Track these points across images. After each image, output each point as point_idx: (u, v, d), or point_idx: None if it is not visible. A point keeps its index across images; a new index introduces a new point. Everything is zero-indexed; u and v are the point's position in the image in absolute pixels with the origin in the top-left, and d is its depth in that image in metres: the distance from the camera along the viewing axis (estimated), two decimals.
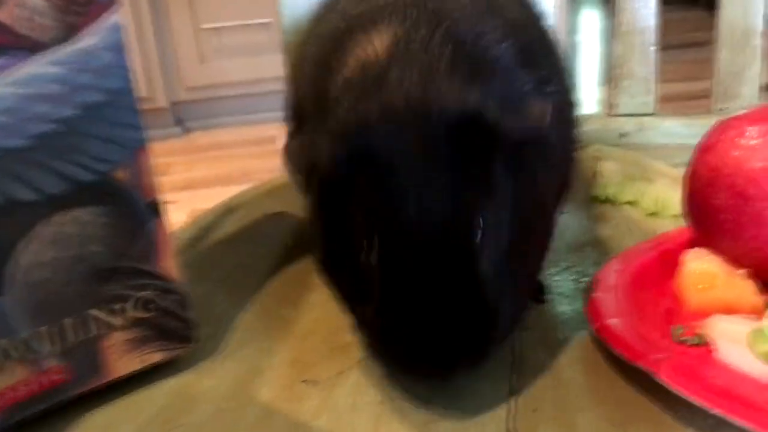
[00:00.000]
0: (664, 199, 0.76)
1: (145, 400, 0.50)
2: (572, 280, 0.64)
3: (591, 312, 0.54)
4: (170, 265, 0.50)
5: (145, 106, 2.51)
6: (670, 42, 1.07)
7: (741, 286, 0.57)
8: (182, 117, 3.15)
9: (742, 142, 0.57)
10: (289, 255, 0.67)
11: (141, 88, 2.97)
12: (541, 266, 0.54)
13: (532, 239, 0.48)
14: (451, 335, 0.42)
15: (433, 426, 0.46)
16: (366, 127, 0.42)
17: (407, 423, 0.46)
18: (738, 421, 0.42)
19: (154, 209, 0.49)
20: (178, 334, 0.51)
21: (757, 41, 0.84)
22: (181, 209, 2.05)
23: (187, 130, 3.16)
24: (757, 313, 0.56)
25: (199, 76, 3.08)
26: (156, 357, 0.50)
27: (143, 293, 0.49)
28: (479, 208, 0.42)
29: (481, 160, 0.42)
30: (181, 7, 3.00)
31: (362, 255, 0.43)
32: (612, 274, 0.59)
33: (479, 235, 0.42)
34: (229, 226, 0.72)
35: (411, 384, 0.49)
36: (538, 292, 0.62)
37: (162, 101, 3.05)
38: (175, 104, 3.12)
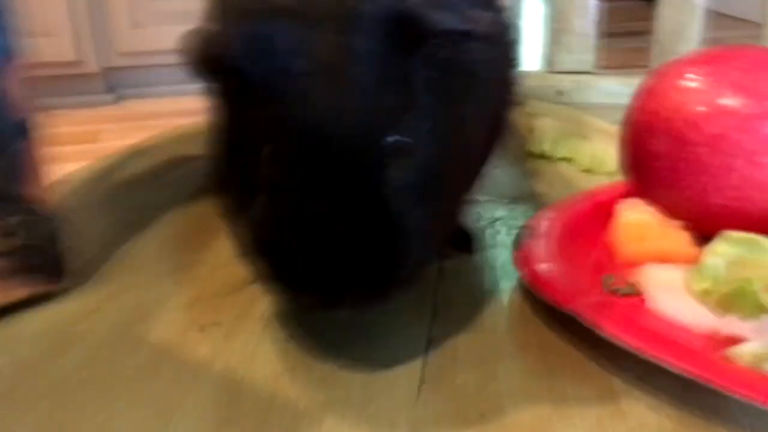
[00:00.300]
0: (600, 155, 0.73)
1: (9, 340, 0.44)
2: (503, 232, 0.60)
3: (520, 258, 0.50)
4: (41, 193, 0.43)
5: (74, 71, 2.38)
6: (611, 30, 1.05)
7: (675, 236, 0.54)
8: (114, 84, 3.02)
9: (682, 84, 0.54)
10: (195, 199, 0.61)
11: (70, 52, 2.83)
12: (460, 207, 0.49)
13: (453, 172, 0.43)
14: (344, 260, 0.35)
15: (340, 376, 0.41)
16: (264, 12, 0.36)
17: (311, 374, 0.41)
18: (671, 364, 0.38)
19: (22, 129, 0.42)
20: (47, 268, 0.45)
21: (700, 3, 0.82)
22: None
23: (120, 98, 3.03)
24: (691, 264, 0.53)
25: (132, 41, 2.94)
26: (20, 293, 0.44)
27: (3, 221, 0.42)
28: (393, 114, 0.36)
29: (403, 58, 0.36)
30: None
31: (254, 162, 0.37)
32: (544, 223, 0.55)
33: (390, 147, 0.36)
34: (135, 168, 0.66)
35: (319, 330, 0.45)
36: (465, 242, 0.58)
37: (92, 66, 2.91)
38: (107, 70, 2.98)
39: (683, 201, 0.54)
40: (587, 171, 0.73)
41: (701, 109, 0.53)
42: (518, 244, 0.52)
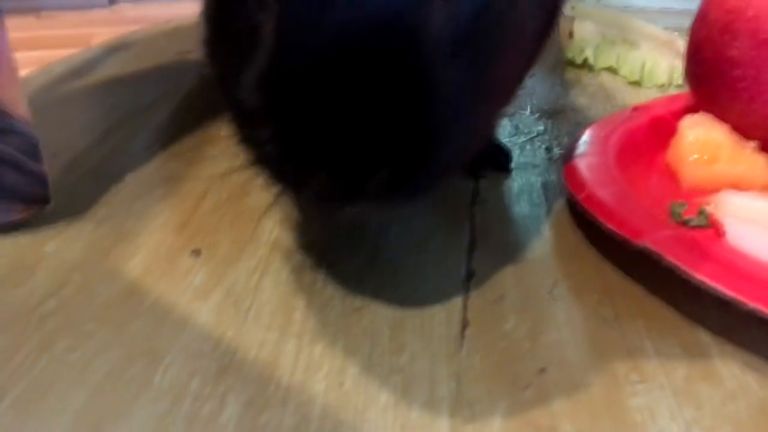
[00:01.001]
0: (649, 66, 0.64)
1: None
2: (543, 149, 0.52)
3: (570, 180, 0.42)
4: (14, 100, 0.35)
5: None
6: None
7: (750, 159, 0.46)
8: None
9: None
10: (188, 102, 0.53)
11: None
12: (507, 103, 0.40)
13: (502, 40, 0.32)
14: (368, 131, 0.26)
15: (362, 317, 0.34)
16: None
17: (327, 313, 0.34)
18: (763, 310, 0.31)
19: None
20: (22, 190, 0.38)
21: None
22: None
23: (114, 1, 2.88)
24: (765, 191, 0.45)
25: None
26: None
27: None
28: None
29: None
30: None
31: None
32: (593, 141, 0.47)
33: (435, 18, 0.27)
34: (118, 65, 0.57)
35: (337, 257, 0.37)
36: (501, 159, 0.50)
37: None
38: None
39: (764, 117, 0.46)
40: (634, 83, 0.64)
41: None
42: (565, 165, 0.44)
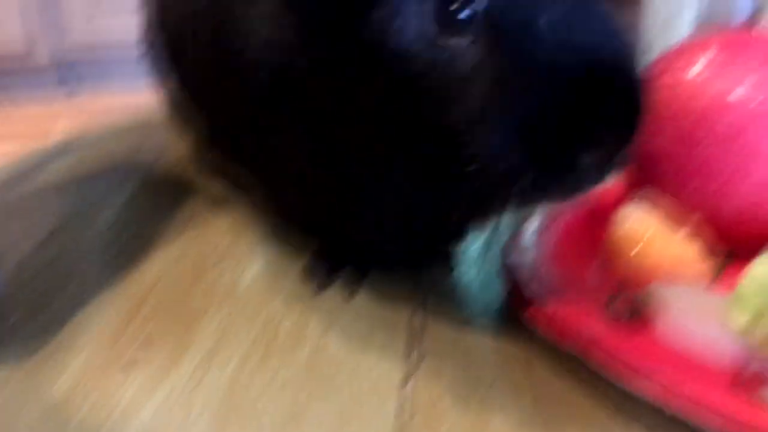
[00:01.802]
0: None
1: None
2: (491, 240, 0.53)
3: (508, 277, 0.43)
4: None
5: (25, 63, 2.26)
6: None
7: (684, 247, 0.47)
8: (67, 77, 2.88)
9: (691, 75, 0.48)
10: (134, 203, 0.53)
11: (20, 44, 2.69)
12: None
13: None
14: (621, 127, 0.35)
15: (301, 421, 0.34)
16: None
17: (265, 419, 0.34)
18: (691, 413, 0.31)
19: None
20: None
21: None
22: None
23: (73, 92, 2.90)
24: (702, 280, 0.46)
25: (86, 32, 2.81)
26: None
27: None
28: None
29: None
30: None
31: None
32: (532, 235, 0.48)
33: None
34: (65, 166, 0.58)
35: (273, 361, 0.37)
36: (449, 253, 0.50)
37: (43, 58, 2.78)
38: (59, 63, 2.85)
39: (692, 208, 0.48)
40: None
41: (713, 105, 0.46)
42: (506, 260, 0.45)
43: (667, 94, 0.48)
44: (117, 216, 0.51)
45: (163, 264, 0.46)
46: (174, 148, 0.57)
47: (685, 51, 0.49)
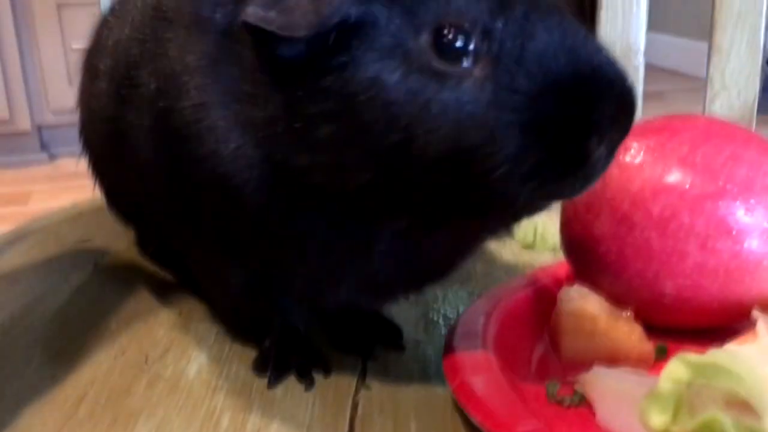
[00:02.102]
0: (541, 230, 0.67)
1: None
2: (440, 321, 0.53)
3: (449, 366, 0.43)
4: None
5: (6, 129, 2.25)
6: None
7: (625, 330, 0.47)
8: (48, 142, 2.90)
9: (626, 159, 0.49)
10: (77, 298, 0.53)
11: (1, 109, 2.71)
12: None
13: None
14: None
15: None
16: None
17: None
18: None
19: None
20: None
21: (640, 60, 0.78)
22: None
23: (53, 157, 2.90)
24: (644, 363, 0.47)
25: (68, 98, 2.84)
26: None
27: None
28: None
29: None
30: (49, 24, 2.77)
31: None
32: (477, 318, 0.48)
33: None
34: (15, 257, 0.57)
35: None
36: (392, 335, 0.51)
37: (25, 124, 2.80)
38: (40, 128, 2.86)
39: (632, 290, 0.48)
40: (528, 247, 0.67)
41: (648, 188, 0.47)
42: (448, 347, 0.45)
43: (606, 177, 0.49)
44: (62, 308, 0.51)
45: (105, 360, 0.46)
46: (124, 234, 0.57)
47: None
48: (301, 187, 0.37)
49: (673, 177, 0.47)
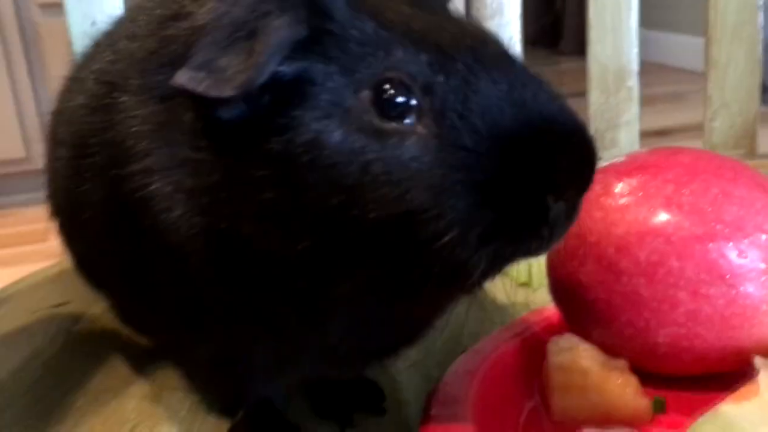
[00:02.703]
0: (536, 267, 0.64)
1: None
2: (420, 378, 0.51)
3: None
4: None
5: (23, 167, 2.27)
6: None
7: (619, 384, 0.44)
8: None
9: (609, 201, 0.46)
10: (52, 365, 0.51)
11: (18, 149, 2.74)
12: None
13: None
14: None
15: None
16: None
17: None
18: None
19: None
20: None
21: (633, 82, 0.75)
22: None
23: None
24: (640, 419, 0.44)
25: None
26: None
27: None
28: None
29: None
30: (61, 63, 2.79)
31: None
32: (459, 379, 0.45)
33: None
34: None
35: None
36: (373, 399, 0.48)
37: (40, 163, 2.82)
38: None
39: (624, 339, 0.45)
40: (523, 285, 0.64)
41: (633, 232, 0.44)
42: (426, 416, 0.42)
43: (588, 221, 0.46)
44: (30, 386, 0.49)
45: None
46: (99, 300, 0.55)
47: (603, 176, 0.47)
48: (248, 256, 0.35)
49: (659, 219, 0.44)
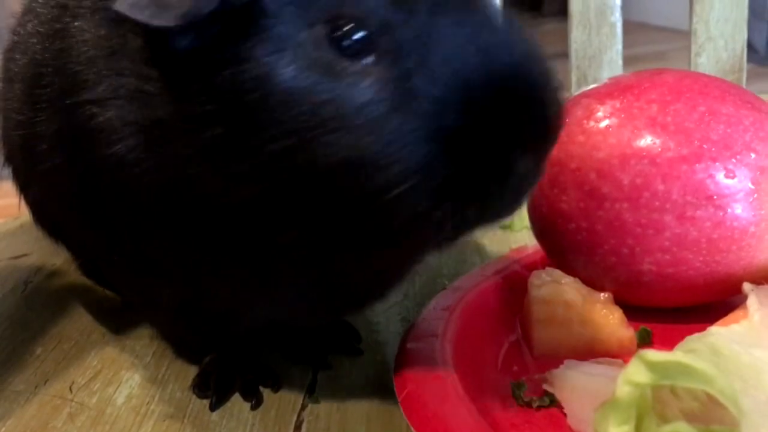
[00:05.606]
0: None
1: None
2: (399, 321, 0.48)
3: (397, 374, 0.38)
4: None
5: None
6: None
7: (603, 316, 0.43)
8: None
9: (591, 124, 0.43)
10: (5, 318, 0.49)
11: None
12: None
13: None
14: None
15: None
16: None
17: None
18: None
19: None
20: None
21: (616, 17, 0.72)
22: None
23: None
24: (626, 351, 0.42)
25: None
26: None
27: None
28: None
29: None
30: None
31: None
32: (437, 315, 0.43)
33: None
34: None
35: None
36: (346, 340, 0.46)
37: None
38: None
39: (607, 269, 0.43)
40: (504, 227, 0.62)
41: (615, 155, 0.42)
42: (401, 351, 0.40)
43: (570, 146, 0.44)
44: None
45: (24, 391, 0.41)
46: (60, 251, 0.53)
47: (583, 100, 0.45)
48: (195, 199, 0.33)
49: (643, 141, 0.42)
